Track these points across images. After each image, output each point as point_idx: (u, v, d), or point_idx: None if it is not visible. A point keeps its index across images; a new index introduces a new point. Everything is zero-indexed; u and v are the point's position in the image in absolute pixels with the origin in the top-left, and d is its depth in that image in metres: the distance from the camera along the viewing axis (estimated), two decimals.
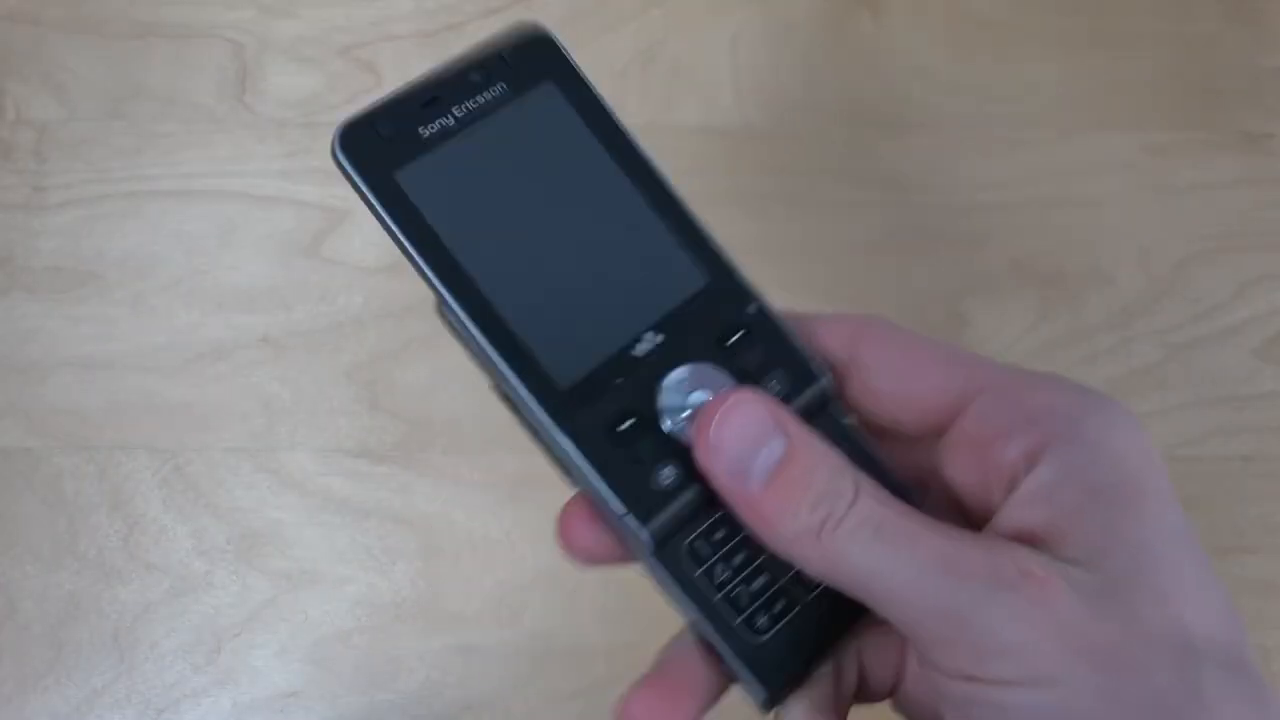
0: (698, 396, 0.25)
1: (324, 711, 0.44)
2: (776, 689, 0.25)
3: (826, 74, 0.50)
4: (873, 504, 0.23)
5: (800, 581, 0.25)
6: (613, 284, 0.26)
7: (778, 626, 0.25)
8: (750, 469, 0.23)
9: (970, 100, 0.50)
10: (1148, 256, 0.48)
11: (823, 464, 0.23)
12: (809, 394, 0.26)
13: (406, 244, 0.25)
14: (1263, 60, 0.50)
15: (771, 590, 0.25)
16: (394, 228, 0.25)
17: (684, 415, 0.25)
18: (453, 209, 0.25)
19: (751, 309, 0.26)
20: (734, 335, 0.26)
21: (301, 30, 0.50)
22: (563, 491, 0.47)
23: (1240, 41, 0.50)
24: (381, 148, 0.25)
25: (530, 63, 0.26)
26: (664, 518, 0.25)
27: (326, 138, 0.52)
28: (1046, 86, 0.50)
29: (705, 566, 0.25)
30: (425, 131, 0.25)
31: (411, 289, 0.47)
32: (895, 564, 0.22)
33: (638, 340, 0.25)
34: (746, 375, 0.25)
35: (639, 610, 0.45)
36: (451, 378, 0.46)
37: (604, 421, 0.25)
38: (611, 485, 0.25)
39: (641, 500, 0.24)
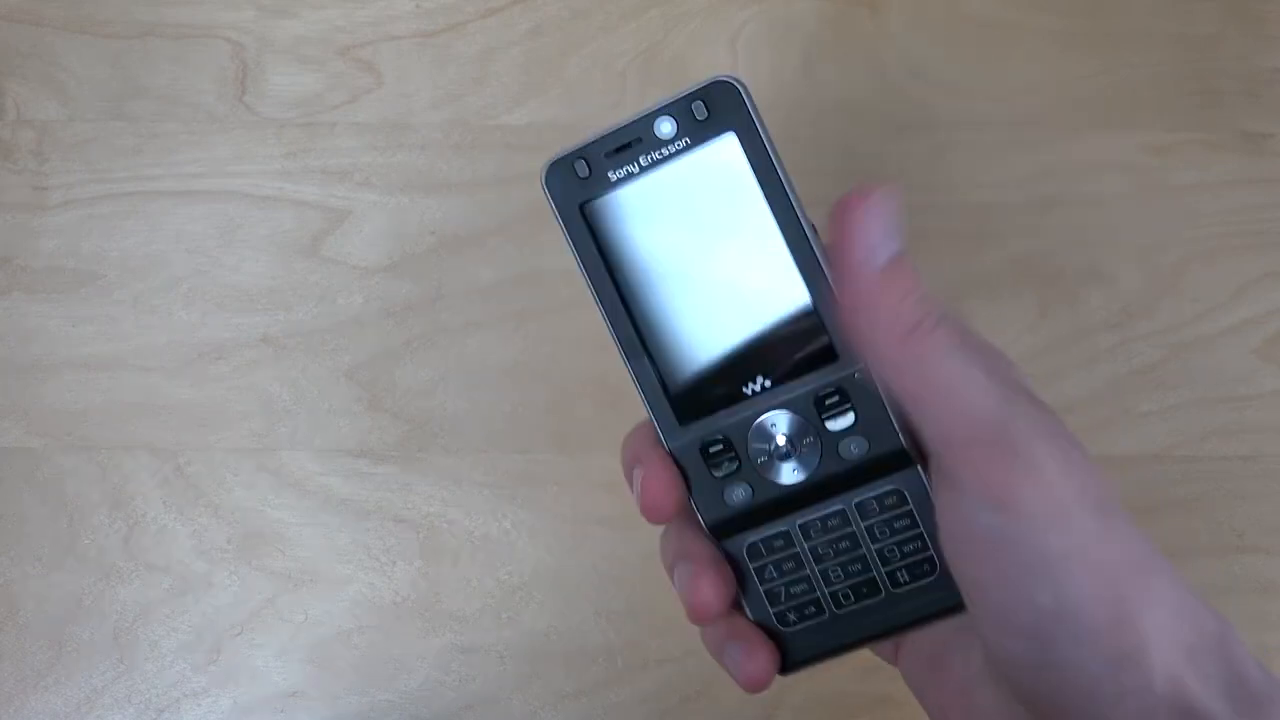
0: (780, 439, 0.30)
1: (324, 711, 0.44)
2: (790, 665, 0.31)
3: (826, 74, 0.50)
4: (959, 323, 0.26)
5: (833, 599, 0.30)
6: (744, 329, 0.30)
7: (803, 625, 0.31)
8: (876, 253, 0.26)
9: (970, 100, 0.50)
10: (1148, 256, 0.48)
11: (921, 279, 0.27)
12: (886, 455, 0.29)
13: (581, 268, 0.30)
14: (1263, 60, 0.50)
15: (807, 597, 0.31)
16: (574, 252, 0.30)
17: (767, 452, 0.30)
18: (625, 241, 0.30)
19: (855, 373, 0.29)
20: (831, 394, 0.29)
21: (301, 30, 0.50)
22: (562, 494, 0.47)
23: (1240, 41, 0.50)
24: (576, 185, 0.30)
25: (717, 114, 0.29)
26: (724, 519, 0.31)
27: (327, 138, 0.52)
28: (1046, 86, 0.50)
29: (759, 564, 0.31)
30: (613, 175, 0.30)
31: (411, 289, 0.47)
32: (964, 378, 0.26)
33: (750, 381, 0.30)
34: (831, 433, 0.29)
35: (639, 610, 0.45)
36: (451, 378, 0.47)
37: (699, 440, 0.30)
38: (693, 489, 0.31)
39: (711, 507, 0.31)
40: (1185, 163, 0.49)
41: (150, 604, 0.44)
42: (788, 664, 0.31)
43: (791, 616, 0.31)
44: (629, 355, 0.30)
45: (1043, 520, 0.25)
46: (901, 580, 0.30)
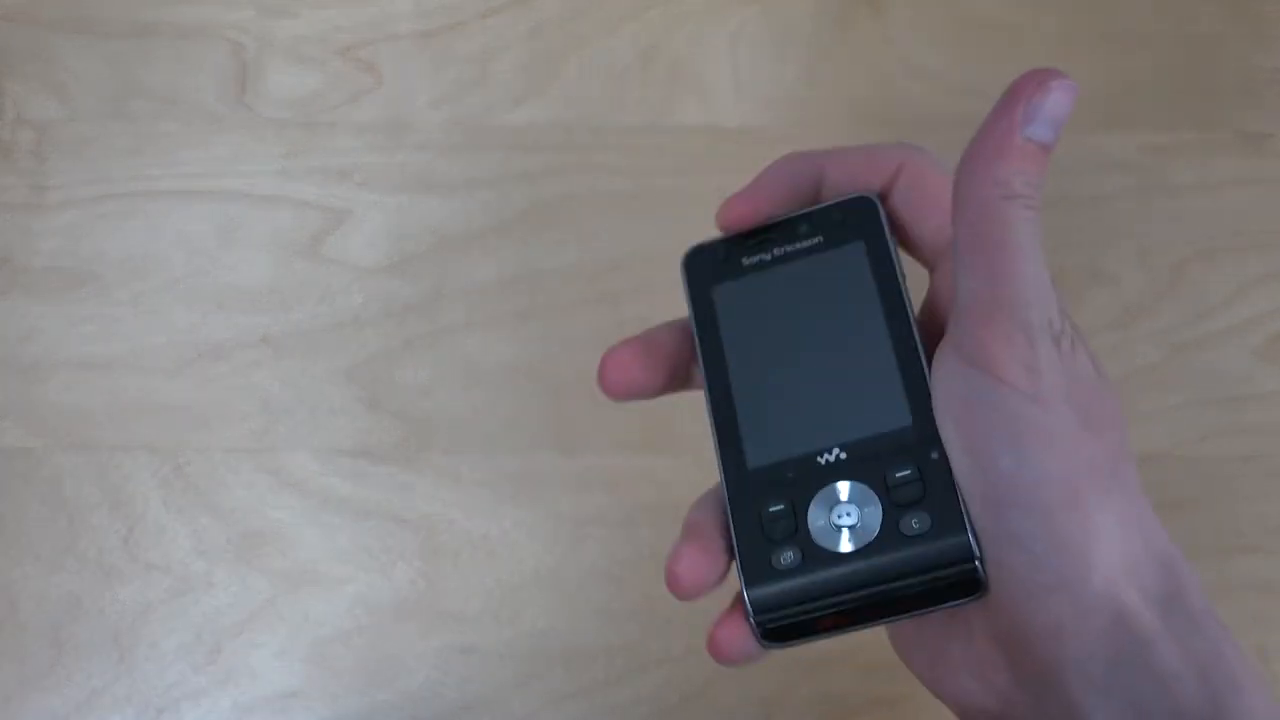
0: (843, 508, 0.29)
1: (324, 711, 0.44)
2: (766, 613, 0.28)
3: (826, 74, 0.50)
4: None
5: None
6: (831, 403, 0.30)
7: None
8: (1033, 126, 0.29)
9: (971, 100, 0.50)
10: (1148, 256, 0.48)
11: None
12: (949, 543, 0.27)
13: (694, 331, 0.32)
14: (1263, 60, 0.50)
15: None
16: (692, 319, 0.32)
17: (825, 517, 0.29)
18: (739, 315, 0.32)
19: (934, 454, 0.28)
20: (904, 471, 0.28)
21: (301, 30, 0.50)
22: (562, 494, 0.47)
23: (1240, 41, 0.50)
24: (710, 267, 0.32)
25: (851, 224, 0.32)
26: (769, 590, 0.28)
27: (326, 137, 0.52)
28: None
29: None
30: (746, 260, 0.32)
31: (411, 289, 0.47)
32: (1034, 260, 0.27)
33: (825, 452, 0.29)
34: (898, 506, 0.28)
35: (639, 610, 0.45)
36: (451, 378, 0.46)
37: (763, 502, 0.29)
38: (740, 552, 0.29)
39: (758, 571, 0.28)
40: (1185, 163, 0.49)
41: (150, 604, 0.44)
42: (766, 610, 0.28)
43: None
44: (714, 420, 0.31)
45: (1027, 395, 0.25)
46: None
